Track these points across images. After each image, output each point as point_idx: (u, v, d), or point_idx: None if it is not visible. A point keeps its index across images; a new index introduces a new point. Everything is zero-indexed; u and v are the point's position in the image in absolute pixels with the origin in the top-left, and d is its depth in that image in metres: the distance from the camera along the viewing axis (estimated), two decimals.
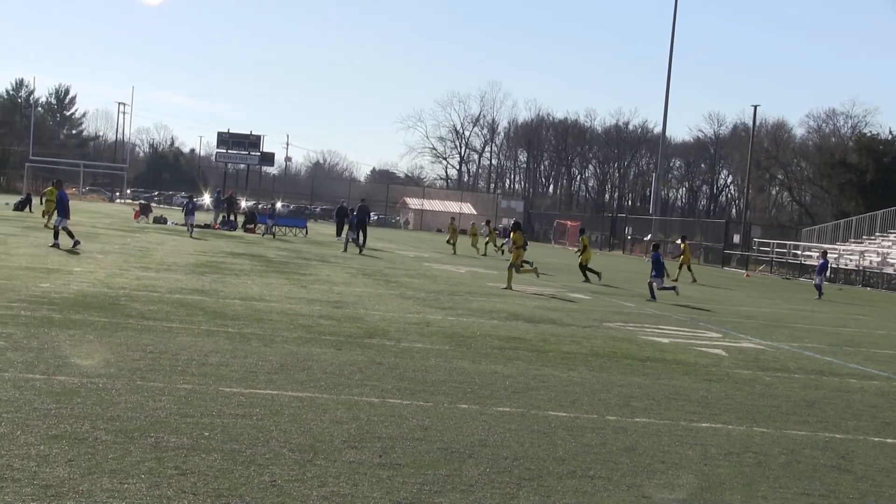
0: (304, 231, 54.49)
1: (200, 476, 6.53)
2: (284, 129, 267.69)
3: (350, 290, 21.46)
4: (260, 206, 73.88)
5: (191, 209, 43.51)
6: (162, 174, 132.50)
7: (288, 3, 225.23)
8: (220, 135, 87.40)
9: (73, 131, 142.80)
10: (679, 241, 46.65)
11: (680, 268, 40.29)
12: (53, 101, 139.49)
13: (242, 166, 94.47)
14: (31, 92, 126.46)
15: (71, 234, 27.37)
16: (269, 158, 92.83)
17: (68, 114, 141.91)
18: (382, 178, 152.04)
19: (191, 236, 40.38)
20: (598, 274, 33.65)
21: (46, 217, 38.83)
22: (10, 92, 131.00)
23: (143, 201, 69.71)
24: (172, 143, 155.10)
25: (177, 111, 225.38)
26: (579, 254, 34.32)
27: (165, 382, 9.41)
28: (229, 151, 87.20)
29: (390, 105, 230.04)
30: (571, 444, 8.42)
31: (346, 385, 10.19)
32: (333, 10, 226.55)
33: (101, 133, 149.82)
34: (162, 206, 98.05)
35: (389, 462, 7.34)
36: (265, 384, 9.82)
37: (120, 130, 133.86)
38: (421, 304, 19.87)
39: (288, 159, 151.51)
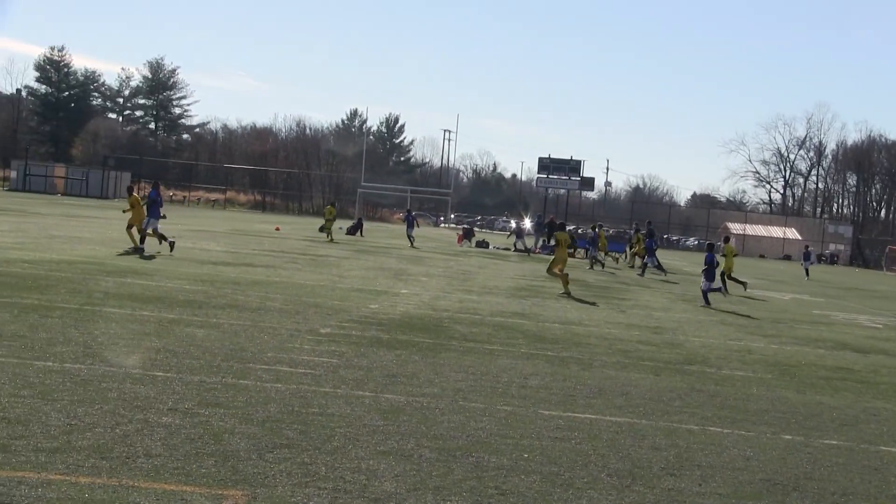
0: (622, 256, 54.21)
1: (520, 497, 6.62)
2: (604, 154, 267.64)
3: (669, 316, 21.12)
4: (579, 230, 74.32)
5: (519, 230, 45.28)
6: (484, 199, 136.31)
7: (609, 32, 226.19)
8: (541, 160, 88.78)
9: (402, 158, 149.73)
10: None
11: None
12: (384, 130, 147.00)
13: (563, 191, 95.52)
14: (364, 121, 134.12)
15: (163, 237, 27.04)
16: (589, 183, 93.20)
17: (397, 141, 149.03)
18: (703, 202, 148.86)
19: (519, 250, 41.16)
20: (743, 284, 32.04)
21: (328, 234, 44.61)
22: (346, 122, 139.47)
23: (466, 226, 71.91)
24: (495, 169, 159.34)
25: (499, 137, 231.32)
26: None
27: (486, 403, 9.63)
28: (550, 176, 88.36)
29: (712, 128, 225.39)
30: None
31: (665, 411, 10.02)
32: (657, 36, 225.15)
33: (427, 159, 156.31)
34: (484, 230, 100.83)
35: (709, 491, 7.14)
36: (584, 408, 9.83)
37: (445, 157, 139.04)
38: (742, 330, 19.25)
39: (608, 184, 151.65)
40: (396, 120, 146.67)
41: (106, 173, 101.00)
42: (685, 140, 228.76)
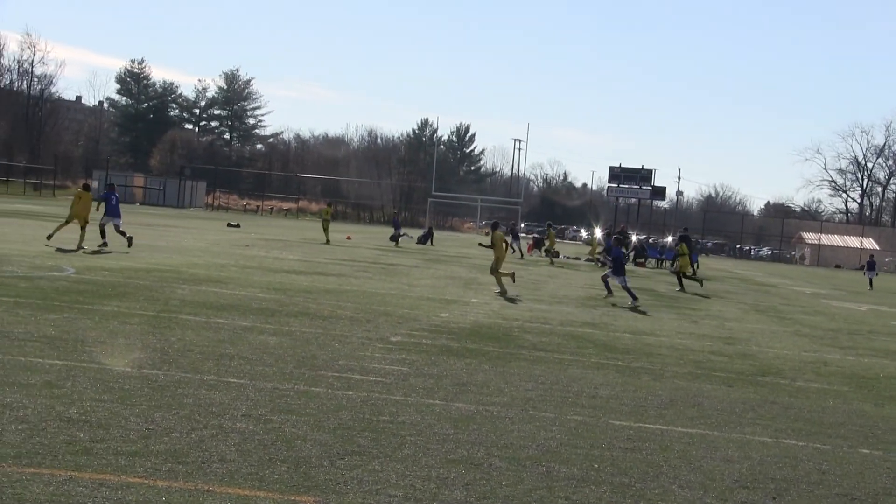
0: (695, 265, 53.50)
1: None
2: (676, 163, 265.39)
3: (742, 327, 20.88)
4: (650, 240, 73.74)
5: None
6: (554, 208, 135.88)
7: (682, 40, 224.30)
8: (611, 169, 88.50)
9: (472, 167, 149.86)
10: None
11: None
12: (454, 139, 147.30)
13: (633, 200, 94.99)
14: (435, 131, 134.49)
15: (103, 234, 27.71)
16: (660, 192, 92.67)
17: (468, 151, 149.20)
18: (777, 211, 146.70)
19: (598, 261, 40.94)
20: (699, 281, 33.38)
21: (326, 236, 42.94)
22: (416, 131, 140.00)
23: (536, 235, 71.70)
24: (565, 178, 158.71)
25: (570, 146, 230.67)
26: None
27: (556, 413, 9.62)
28: (620, 186, 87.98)
29: (786, 137, 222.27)
30: None
31: (738, 423, 9.92)
32: (730, 43, 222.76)
33: (497, 169, 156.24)
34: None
35: None
36: (654, 419, 9.78)
37: (515, 166, 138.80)
38: (817, 342, 18.96)
39: (679, 193, 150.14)
40: (467, 129, 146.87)
41: (182, 183, 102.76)
42: (759, 148, 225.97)
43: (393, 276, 26.48)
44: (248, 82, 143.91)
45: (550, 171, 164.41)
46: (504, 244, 25.64)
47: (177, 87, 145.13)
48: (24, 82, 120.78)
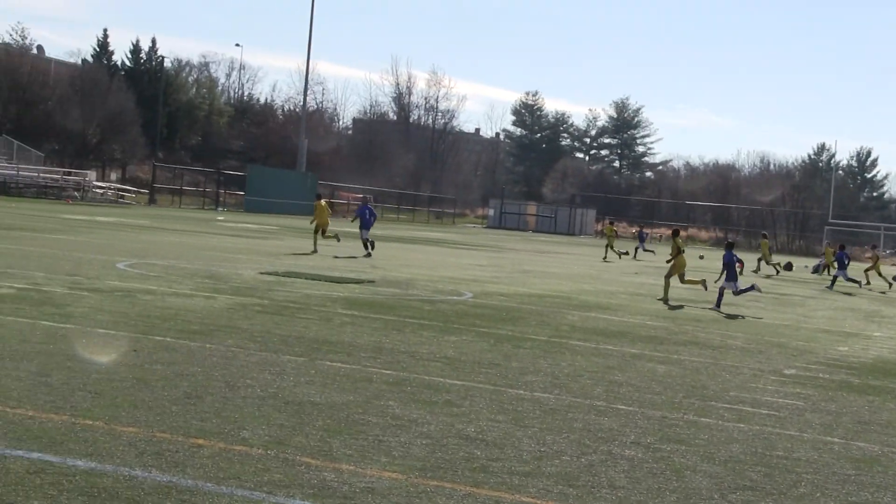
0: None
1: None
2: None
3: None
4: None
5: None
6: None
7: None
8: None
9: (874, 193, 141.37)
10: None
11: None
12: (854, 164, 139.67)
13: None
14: (832, 156, 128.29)
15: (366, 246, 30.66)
16: None
17: (869, 176, 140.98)
18: None
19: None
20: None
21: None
22: (812, 156, 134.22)
23: None
24: None
25: None
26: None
27: None
28: None
29: None
30: None
31: None
32: None
33: None
34: None
35: None
36: None
37: None
38: None
39: None
40: (868, 154, 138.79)
41: (573, 211, 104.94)
42: None
43: (786, 307, 25.51)
44: (637, 110, 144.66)
45: None
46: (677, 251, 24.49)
47: (568, 116, 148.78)
48: (430, 117, 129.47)
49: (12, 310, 12.85)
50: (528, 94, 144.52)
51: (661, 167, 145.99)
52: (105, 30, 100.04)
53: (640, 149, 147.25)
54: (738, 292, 23.82)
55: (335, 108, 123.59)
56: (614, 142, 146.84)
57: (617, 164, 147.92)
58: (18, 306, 13.22)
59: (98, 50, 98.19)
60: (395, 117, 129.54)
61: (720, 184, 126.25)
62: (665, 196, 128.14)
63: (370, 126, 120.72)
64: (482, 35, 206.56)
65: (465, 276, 26.22)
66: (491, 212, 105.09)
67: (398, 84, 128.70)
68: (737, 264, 23.47)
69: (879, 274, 41.30)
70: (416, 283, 22.42)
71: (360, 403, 8.94)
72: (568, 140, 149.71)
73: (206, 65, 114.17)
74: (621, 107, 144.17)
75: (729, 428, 9.33)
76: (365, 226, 31.31)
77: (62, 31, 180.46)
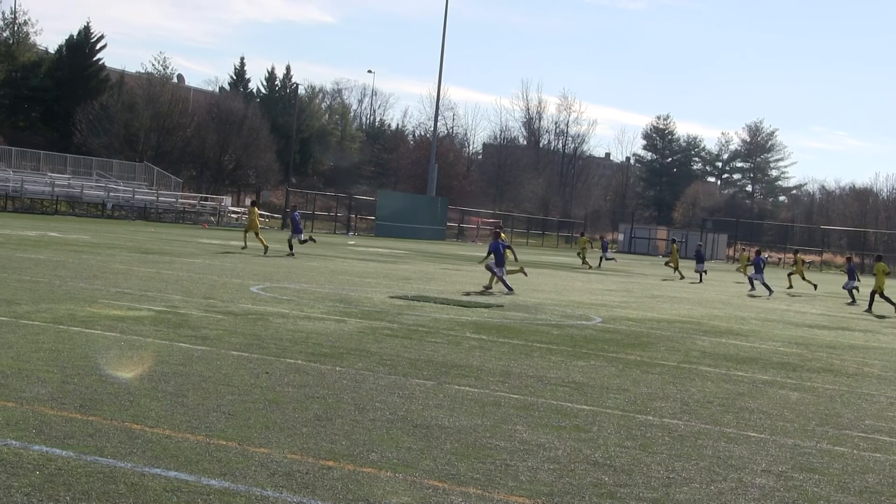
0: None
1: None
2: None
3: None
4: None
5: None
6: None
7: None
8: None
9: None
10: None
11: None
12: None
13: None
14: None
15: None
16: None
17: None
18: None
19: None
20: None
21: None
22: None
23: None
24: None
25: None
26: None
27: None
28: None
29: None
30: None
31: None
32: None
33: None
34: None
35: None
36: None
37: None
38: None
39: None
40: None
41: (704, 235, 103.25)
42: None
43: None
44: (771, 134, 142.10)
45: None
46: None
47: (700, 140, 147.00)
48: (560, 142, 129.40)
49: (151, 331, 13.36)
50: (658, 117, 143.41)
51: (795, 191, 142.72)
52: (242, 58, 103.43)
53: (774, 172, 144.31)
54: None
55: (465, 133, 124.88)
56: (747, 165, 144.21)
57: (749, 188, 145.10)
58: (157, 328, 13.73)
59: (234, 78, 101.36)
60: (524, 142, 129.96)
61: (856, 208, 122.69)
62: (799, 220, 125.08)
63: (500, 151, 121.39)
64: (613, 58, 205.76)
65: (594, 300, 26.11)
66: (621, 236, 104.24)
67: (528, 109, 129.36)
68: None
69: None
70: (544, 307, 22.43)
71: (487, 427, 9.02)
72: (699, 164, 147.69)
73: (339, 91, 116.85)
74: (755, 130, 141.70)
75: (864, 457, 9.10)
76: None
77: (201, 60, 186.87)
